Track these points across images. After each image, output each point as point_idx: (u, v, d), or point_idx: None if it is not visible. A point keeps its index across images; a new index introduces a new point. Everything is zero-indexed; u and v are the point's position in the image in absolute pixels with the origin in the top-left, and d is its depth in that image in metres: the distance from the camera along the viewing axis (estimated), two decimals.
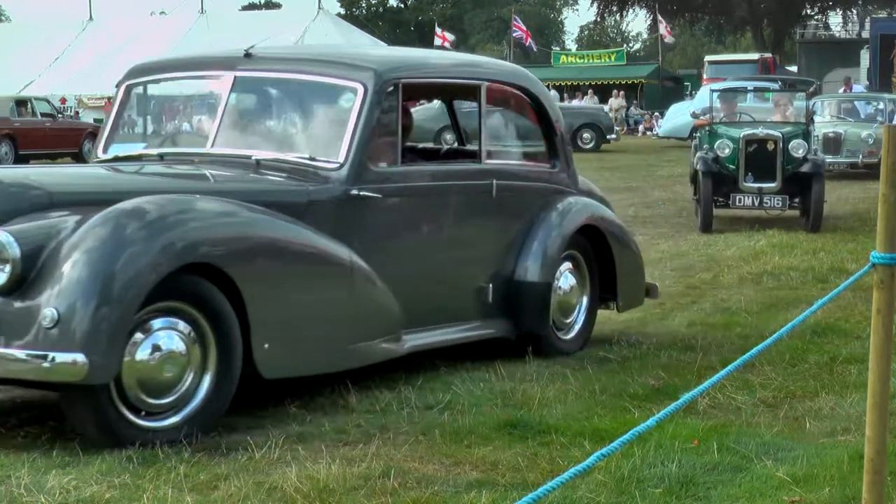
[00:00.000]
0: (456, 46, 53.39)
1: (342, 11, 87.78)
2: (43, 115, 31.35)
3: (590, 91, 44.63)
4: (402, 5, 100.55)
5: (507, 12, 78.04)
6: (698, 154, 14.85)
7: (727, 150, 14.42)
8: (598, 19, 69.37)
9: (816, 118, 22.65)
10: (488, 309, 7.23)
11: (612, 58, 55.30)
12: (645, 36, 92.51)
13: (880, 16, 54.37)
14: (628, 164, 28.06)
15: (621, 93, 45.93)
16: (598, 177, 23.71)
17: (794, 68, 55.73)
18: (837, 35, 64.05)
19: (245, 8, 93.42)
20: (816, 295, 9.20)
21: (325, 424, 5.81)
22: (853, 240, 13.01)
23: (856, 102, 25.36)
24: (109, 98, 58.52)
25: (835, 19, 64.76)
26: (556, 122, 7.83)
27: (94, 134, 31.84)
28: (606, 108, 38.92)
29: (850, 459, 5.09)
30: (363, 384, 6.57)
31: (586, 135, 33.36)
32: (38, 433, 5.63)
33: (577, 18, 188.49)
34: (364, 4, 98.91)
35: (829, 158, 20.83)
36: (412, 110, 8.33)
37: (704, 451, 5.32)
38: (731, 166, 14.42)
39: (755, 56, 49.45)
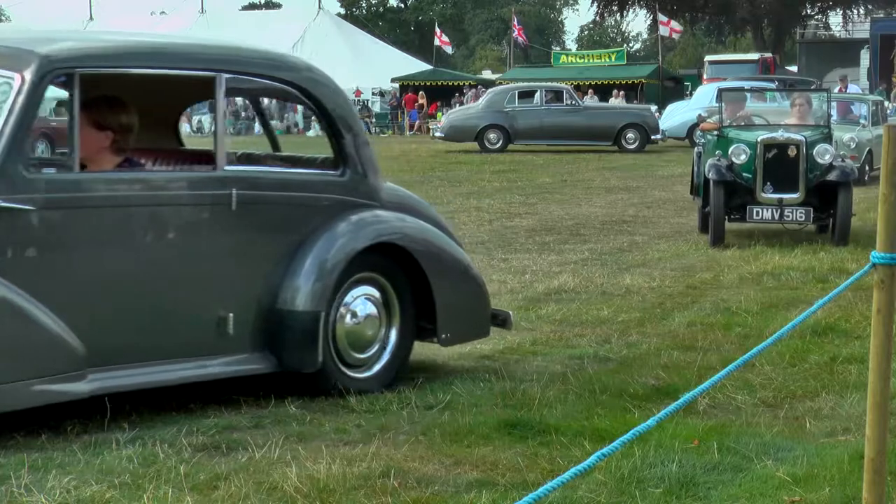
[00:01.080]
0: (455, 47, 53.45)
1: (342, 11, 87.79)
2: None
3: (590, 91, 44.62)
4: (402, 5, 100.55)
5: (508, 12, 78.11)
6: (710, 161, 12.85)
7: (743, 157, 12.63)
8: (598, 19, 69.41)
9: None
10: (232, 342, 6.13)
11: (613, 58, 55.26)
12: (645, 36, 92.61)
13: (880, 16, 54.37)
14: (628, 164, 28.06)
15: (621, 93, 45.90)
16: (598, 176, 23.79)
17: (794, 68, 55.74)
18: (838, 35, 64.06)
19: (245, 8, 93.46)
20: (817, 295, 9.20)
21: (326, 424, 5.81)
22: (853, 240, 12.99)
23: (851, 102, 23.51)
24: None
25: (835, 19, 64.79)
26: (341, 123, 6.63)
27: None
28: (654, 107, 37.93)
29: (850, 459, 5.09)
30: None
31: (630, 135, 32.61)
32: (38, 433, 5.63)
33: (577, 18, 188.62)
34: (364, 4, 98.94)
35: None
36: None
37: (705, 450, 5.32)
38: (747, 175, 12.63)
39: (755, 56, 49.48)
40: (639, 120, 33.17)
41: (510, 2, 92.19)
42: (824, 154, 12.59)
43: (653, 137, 32.87)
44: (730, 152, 12.70)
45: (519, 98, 33.55)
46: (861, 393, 5.93)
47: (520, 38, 59.06)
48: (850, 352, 7.41)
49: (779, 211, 12.56)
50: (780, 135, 12.75)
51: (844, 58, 51.64)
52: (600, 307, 9.03)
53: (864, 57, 48.51)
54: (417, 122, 53.16)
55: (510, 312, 7.30)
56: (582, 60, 55.77)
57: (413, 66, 60.08)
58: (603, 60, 54.50)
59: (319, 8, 64.44)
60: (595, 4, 64.33)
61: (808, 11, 64.05)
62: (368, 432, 5.67)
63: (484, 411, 6.02)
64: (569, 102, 33.58)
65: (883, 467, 3.99)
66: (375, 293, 6.58)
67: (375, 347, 6.58)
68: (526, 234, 14.06)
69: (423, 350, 7.03)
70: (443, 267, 6.77)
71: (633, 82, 49.88)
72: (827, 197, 12.69)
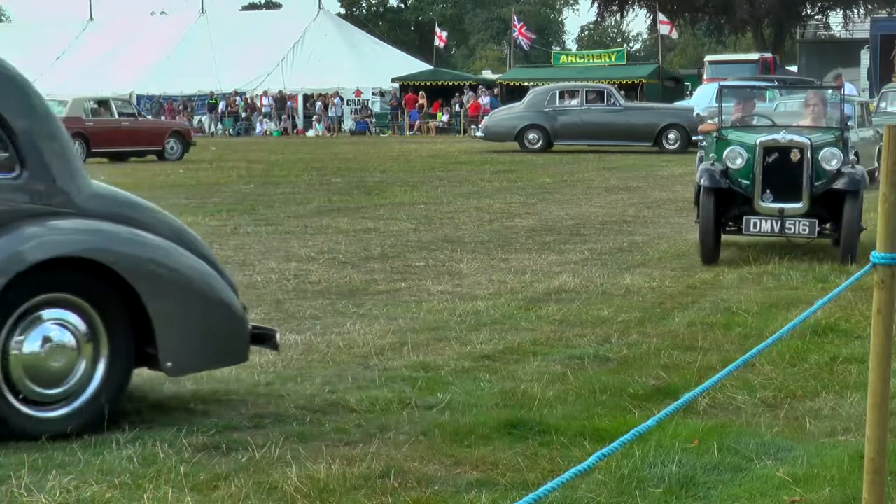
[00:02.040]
0: (452, 45, 53.35)
1: (342, 11, 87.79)
2: (123, 114, 32.56)
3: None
4: (402, 5, 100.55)
5: (508, 12, 78.11)
6: (702, 166, 11.82)
7: (739, 161, 11.42)
8: (599, 19, 69.39)
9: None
10: None
11: (613, 58, 55.29)
12: (645, 36, 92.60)
13: (881, 16, 54.36)
14: (628, 164, 28.06)
15: (622, 93, 45.92)
16: (598, 177, 23.79)
17: (794, 68, 55.74)
18: (838, 35, 64.05)
19: (245, 8, 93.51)
20: (817, 295, 9.20)
21: (326, 424, 5.81)
22: None
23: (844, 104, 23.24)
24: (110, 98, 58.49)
25: (835, 19, 64.78)
26: (13, 115, 5.66)
27: (178, 133, 33.15)
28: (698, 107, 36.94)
29: (850, 459, 5.09)
30: (363, 384, 6.58)
31: (672, 135, 32.22)
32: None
33: (577, 18, 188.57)
34: (364, 4, 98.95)
35: None
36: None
37: (705, 450, 5.32)
38: (745, 181, 11.41)
39: (755, 56, 49.47)
40: (680, 120, 32.53)
41: (510, 2, 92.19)
42: (831, 159, 11.33)
43: (693, 138, 32.24)
44: (724, 156, 11.51)
45: (560, 98, 33.40)
46: (861, 393, 5.93)
47: (522, 39, 58.98)
48: (851, 352, 7.41)
49: (779, 222, 11.26)
50: (781, 137, 11.46)
51: (845, 58, 51.62)
52: (600, 307, 9.04)
53: (865, 57, 48.49)
54: (417, 122, 53.18)
55: (276, 330, 6.33)
56: (582, 60, 55.80)
57: (413, 66, 60.10)
58: (603, 60, 54.51)
59: (319, 8, 64.46)
60: (595, 4, 64.34)
61: (808, 11, 64.04)
62: (368, 432, 5.67)
63: (484, 411, 6.02)
64: (610, 102, 33.40)
65: (883, 467, 3.99)
66: (72, 318, 5.60)
67: (73, 381, 5.61)
68: (526, 234, 14.06)
69: (423, 350, 7.02)
70: (165, 286, 5.78)
71: (633, 82, 49.89)
72: (834, 207, 11.39)
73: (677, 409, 3.67)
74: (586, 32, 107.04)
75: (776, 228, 11.32)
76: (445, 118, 53.24)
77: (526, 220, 15.71)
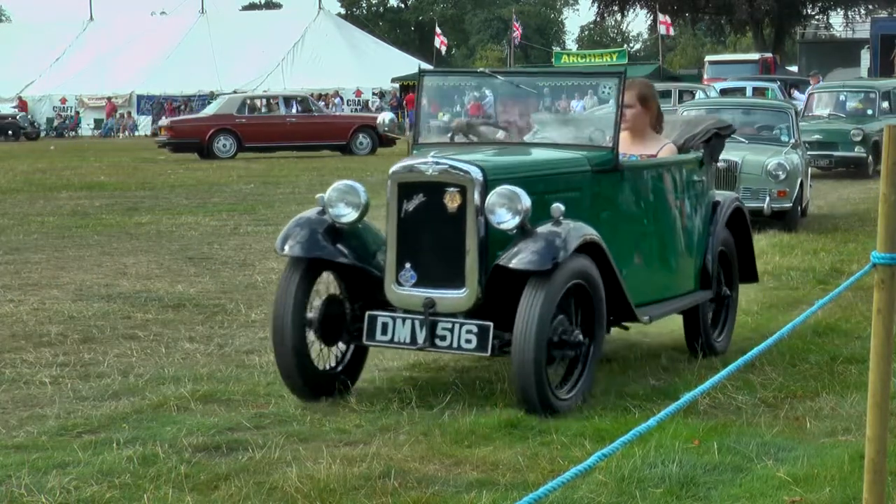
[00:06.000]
0: (450, 47, 53.37)
1: (342, 11, 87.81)
2: (302, 111, 33.92)
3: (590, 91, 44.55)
4: (403, 5, 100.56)
5: (508, 12, 78.11)
6: (303, 215, 6.56)
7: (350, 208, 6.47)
8: (599, 19, 69.35)
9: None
10: None
11: (614, 57, 55.28)
12: (645, 36, 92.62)
13: (881, 15, 54.37)
14: None
15: None
16: None
17: (794, 68, 55.74)
18: (839, 35, 64.05)
19: (245, 8, 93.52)
20: (817, 295, 9.20)
21: (326, 424, 5.81)
22: (853, 240, 12.99)
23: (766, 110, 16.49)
24: (110, 98, 58.60)
25: (836, 19, 64.77)
26: None
27: (365, 127, 33.20)
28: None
29: (850, 459, 5.09)
30: (363, 384, 6.57)
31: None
32: (38, 433, 5.63)
33: (577, 18, 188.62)
34: (364, 4, 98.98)
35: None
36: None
37: (705, 451, 5.32)
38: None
39: (755, 56, 49.44)
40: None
41: (510, 2, 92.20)
42: (500, 207, 5.99)
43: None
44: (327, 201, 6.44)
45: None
46: (861, 393, 5.92)
47: (516, 37, 59.07)
48: (851, 352, 7.41)
49: (425, 328, 6.10)
50: (428, 167, 6.18)
51: (845, 58, 51.64)
52: None
53: (865, 57, 48.50)
54: None
55: None
56: (583, 60, 55.78)
57: (413, 66, 60.09)
58: (605, 60, 54.50)
59: (319, 8, 64.49)
60: (595, 4, 64.30)
61: (809, 11, 64.02)
62: (369, 432, 5.67)
63: (484, 411, 6.01)
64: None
65: (883, 467, 3.99)
66: None
67: None
68: None
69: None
70: None
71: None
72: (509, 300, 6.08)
73: (677, 409, 3.66)
74: (586, 32, 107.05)
75: (420, 338, 6.12)
76: (446, 118, 53.15)
77: None
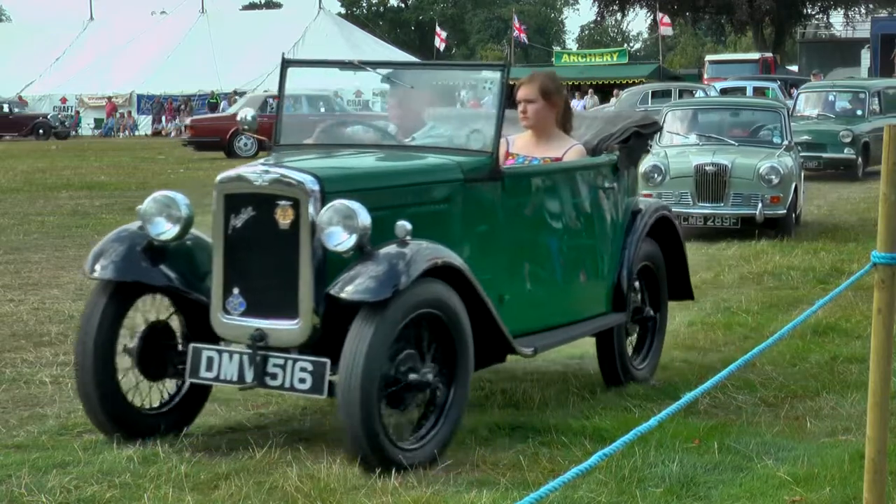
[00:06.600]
0: (452, 45, 53.42)
1: (342, 11, 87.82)
2: (326, 111, 33.38)
3: (590, 91, 44.59)
4: (403, 5, 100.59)
5: (507, 12, 78.11)
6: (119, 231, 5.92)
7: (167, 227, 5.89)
8: (599, 19, 69.37)
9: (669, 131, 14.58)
10: None
11: (614, 57, 55.31)
12: (645, 35, 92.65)
13: (881, 15, 54.39)
14: None
15: (622, 93, 45.91)
16: None
17: (794, 68, 55.75)
18: (839, 35, 64.06)
19: (245, 8, 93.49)
20: (817, 294, 9.19)
21: (326, 424, 5.81)
22: (853, 239, 12.98)
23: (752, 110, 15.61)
24: (110, 97, 58.58)
25: (836, 18, 64.78)
26: None
27: None
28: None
29: (850, 459, 5.09)
30: None
31: None
32: (39, 433, 5.63)
33: (577, 18, 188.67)
34: (364, 4, 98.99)
35: (706, 209, 13.46)
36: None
37: (705, 450, 5.32)
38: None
39: (756, 56, 49.44)
40: None
41: (510, 2, 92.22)
42: (335, 225, 5.16)
43: None
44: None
45: (652, 98, 32.99)
46: (861, 393, 5.93)
47: (521, 36, 59.04)
48: (851, 351, 7.41)
49: (254, 365, 5.26)
50: (257, 176, 5.36)
51: (845, 57, 51.63)
52: None
53: (865, 57, 48.51)
54: None
55: None
56: (583, 60, 55.81)
57: None
58: (604, 60, 54.52)
59: (320, 8, 64.45)
60: (595, 4, 64.31)
61: (809, 11, 64.04)
62: None
63: (484, 411, 6.01)
64: None
65: (883, 467, 3.99)
66: None
67: None
68: None
69: None
70: None
71: (633, 82, 49.83)
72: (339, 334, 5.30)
73: (678, 408, 3.66)
74: (586, 32, 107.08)
75: (248, 376, 5.28)
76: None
77: None
